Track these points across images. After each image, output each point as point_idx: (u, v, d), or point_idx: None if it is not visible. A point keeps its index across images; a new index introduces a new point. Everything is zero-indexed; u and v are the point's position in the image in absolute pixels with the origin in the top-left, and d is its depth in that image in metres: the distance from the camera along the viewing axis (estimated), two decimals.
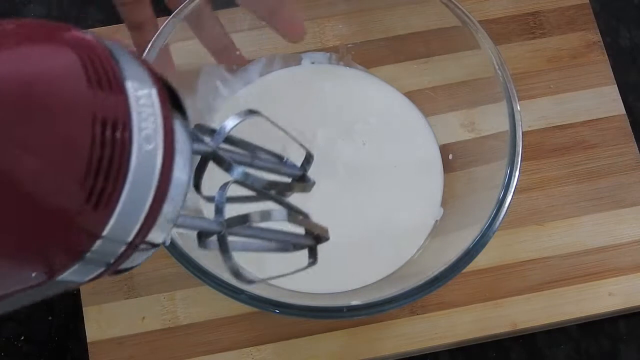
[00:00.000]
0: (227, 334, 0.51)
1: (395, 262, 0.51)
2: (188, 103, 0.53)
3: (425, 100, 0.55)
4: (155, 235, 0.26)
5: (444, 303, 0.52)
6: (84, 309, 0.52)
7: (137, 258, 0.27)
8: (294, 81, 0.56)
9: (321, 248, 0.38)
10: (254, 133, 0.47)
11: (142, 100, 0.25)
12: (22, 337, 0.53)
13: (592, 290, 0.53)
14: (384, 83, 0.56)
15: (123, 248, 0.25)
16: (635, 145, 0.56)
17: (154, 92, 0.25)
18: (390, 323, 0.52)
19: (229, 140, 0.36)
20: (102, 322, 0.51)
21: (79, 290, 0.52)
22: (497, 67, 0.47)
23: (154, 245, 0.27)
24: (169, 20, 0.48)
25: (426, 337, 0.52)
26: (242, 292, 0.43)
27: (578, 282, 0.53)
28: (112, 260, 0.25)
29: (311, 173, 0.51)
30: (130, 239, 0.25)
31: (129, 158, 0.24)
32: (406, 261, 0.51)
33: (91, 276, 0.26)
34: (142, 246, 0.26)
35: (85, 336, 0.51)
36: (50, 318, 0.53)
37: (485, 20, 0.59)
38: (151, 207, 0.25)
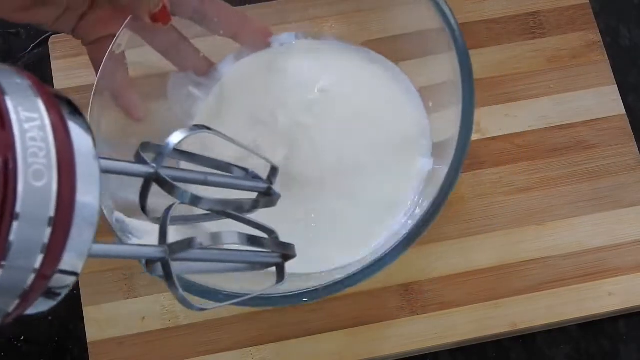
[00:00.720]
0: (227, 334, 0.51)
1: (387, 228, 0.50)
2: (163, 109, 0.53)
3: (424, 99, 0.55)
4: (71, 264, 0.25)
5: (444, 303, 0.52)
6: (84, 309, 0.52)
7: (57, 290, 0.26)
8: (258, 66, 0.55)
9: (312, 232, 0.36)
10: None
11: (32, 132, 0.23)
12: (22, 337, 0.53)
13: (592, 290, 0.53)
14: (347, 46, 0.55)
15: (31, 279, 0.24)
16: (635, 145, 0.56)
17: (47, 122, 0.24)
18: (390, 323, 0.52)
19: (186, 155, 0.35)
20: (102, 322, 0.51)
21: (79, 291, 0.52)
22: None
23: (74, 274, 0.26)
24: (122, 30, 0.47)
25: (426, 337, 0.52)
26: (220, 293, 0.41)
27: (578, 282, 0.53)
28: (17, 303, 0.25)
29: (283, 154, 0.51)
30: (32, 276, 0.24)
31: (15, 198, 0.23)
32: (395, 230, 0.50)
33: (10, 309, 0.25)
34: (60, 276, 0.25)
35: (85, 336, 0.51)
36: (50, 318, 0.53)
37: (485, 20, 0.59)
38: (52, 240, 0.24)
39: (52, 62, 0.57)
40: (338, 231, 0.51)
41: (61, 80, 0.57)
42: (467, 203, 0.54)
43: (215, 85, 0.55)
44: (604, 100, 0.57)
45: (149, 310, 0.52)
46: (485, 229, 0.54)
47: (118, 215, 0.43)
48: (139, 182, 0.38)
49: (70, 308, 0.53)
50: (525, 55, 0.58)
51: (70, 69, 0.57)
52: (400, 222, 0.50)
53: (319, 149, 0.52)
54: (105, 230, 0.42)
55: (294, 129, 0.53)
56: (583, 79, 0.58)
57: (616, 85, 0.58)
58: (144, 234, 0.43)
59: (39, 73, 0.58)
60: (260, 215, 0.40)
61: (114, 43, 0.46)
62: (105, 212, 0.42)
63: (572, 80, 0.58)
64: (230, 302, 0.39)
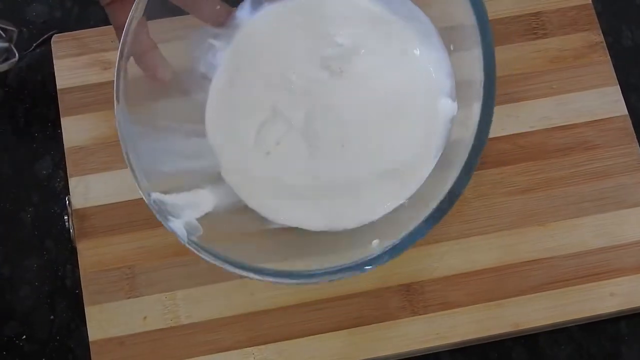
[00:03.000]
0: (228, 333, 0.51)
1: (415, 180, 0.50)
2: (188, 68, 0.52)
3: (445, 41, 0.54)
4: None
5: (446, 303, 0.52)
6: (85, 308, 0.52)
7: None
8: (277, 22, 0.54)
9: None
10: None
11: None
12: (24, 337, 0.53)
13: (594, 291, 0.53)
14: None
15: None
16: (638, 145, 0.56)
17: None
18: (391, 323, 0.52)
19: None
20: (103, 322, 0.51)
21: (80, 290, 0.52)
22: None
23: None
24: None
25: (427, 338, 0.52)
26: (265, 271, 0.43)
27: (580, 282, 0.53)
28: None
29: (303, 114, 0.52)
30: None
31: None
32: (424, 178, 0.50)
33: None
34: None
35: (87, 335, 0.51)
36: (52, 317, 0.53)
37: None
38: None
39: (54, 61, 0.57)
40: (361, 188, 0.50)
41: (63, 79, 0.57)
42: (469, 203, 0.54)
43: (234, 36, 0.53)
44: (607, 100, 0.57)
45: (151, 309, 0.52)
46: (487, 230, 0.54)
47: (155, 195, 0.44)
48: (173, 152, 0.46)
49: (72, 307, 0.53)
50: (527, 56, 0.58)
51: (72, 68, 0.57)
52: (422, 178, 0.50)
53: (339, 106, 0.52)
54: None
55: (311, 86, 0.52)
56: (585, 80, 0.58)
57: (618, 86, 0.58)
58: (183, 210, 0.44)
59: (41, 72, 0.58)
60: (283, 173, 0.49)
61: (135, 4, 0.45)
62: (143, 195, 0.44)
63: (575, 81, 0.58)
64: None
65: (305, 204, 0.50)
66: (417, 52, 0.52)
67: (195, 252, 0.44)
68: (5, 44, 0.48)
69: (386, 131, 0.51)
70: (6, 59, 0.55)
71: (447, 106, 0.50)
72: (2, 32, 0.53)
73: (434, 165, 0.50)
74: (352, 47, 0.53)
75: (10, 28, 0.49)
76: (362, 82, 0.52)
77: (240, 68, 0.54)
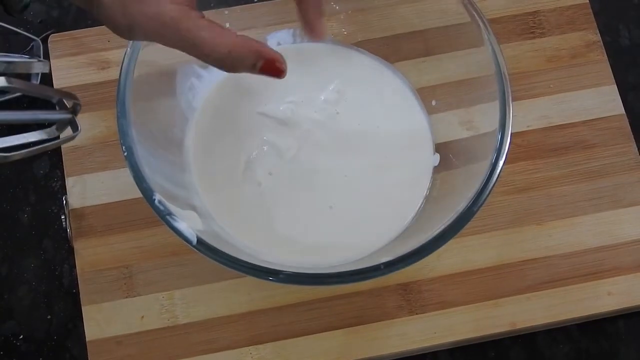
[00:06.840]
0: (226, 333, 0.51)
1: (405, 216, 0.52)
2: (172, 104, 0.53)
3: (424, 98, 0.55)
4: None
5: (443, 302, 0.52)
6: (83, 308, 0.52)
7: None
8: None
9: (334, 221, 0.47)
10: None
11: None
12: (21, 336, 0.53)
13: (591, 290, 0.53)
14: (346, 49, 0.56)
15: None
16: (635, 145, 0.56)
17: None
18: (389, 322, 0.52)
19: None
20: (101, 321, 0.51)
21: (78, 290, 0.52)
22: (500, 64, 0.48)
23: None
24: None
25: (425, 337, 0.52)
26: (279, 272, 0.43)
27: (577, 281, 0.53)
28: None
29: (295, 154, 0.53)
30: None
31: None
32: (415, 213, 0.52)
33: None
34: None
35: (84, 335, 0.51)
36: (49, 317, 0.53)
37: None
38: None
39: (51, 61, 0.57)
40: (352, 222, 0.52)
41: (60, 79, 0.57)
42: None
43: (214, 81, 0.55)
44: (604, 100, 0.57)
45: (148, 309, 0.52)
46: (484, 229, 0.54)
47: (159, 197, 0.44)
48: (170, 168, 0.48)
49: (69, 307, 0.53)
50: (524, 55, 0.58)
51: (69, 68, 0.57)
52: (409, 219, 0.51)
53: (331, 145, 0.53)
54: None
55: (304, 124, 0.54)
56: (583, 79, 0.58)
57: (615, 85, 0.58)
58: (181, 219, 0.44)
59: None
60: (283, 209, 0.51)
61: None
62: (146, 195, 0.44)
63: (572, 80, 0.58)
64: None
65: (294, 248, 0.51)
66: (399, 107, 0.55)
67: (204, 255, 0.43)
68: (69, 116, 0.44)
69: (374, 177, 0.53)
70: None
71: (430, 158, 0.54)
72: (66, 103, 0.49)
73: (425, 193, 0.52)
74: (343, 97, 0.55)
75: (76, 101, 0.45)
76: (352, 130, 0.54)
77: (225, 108, 0.55)
